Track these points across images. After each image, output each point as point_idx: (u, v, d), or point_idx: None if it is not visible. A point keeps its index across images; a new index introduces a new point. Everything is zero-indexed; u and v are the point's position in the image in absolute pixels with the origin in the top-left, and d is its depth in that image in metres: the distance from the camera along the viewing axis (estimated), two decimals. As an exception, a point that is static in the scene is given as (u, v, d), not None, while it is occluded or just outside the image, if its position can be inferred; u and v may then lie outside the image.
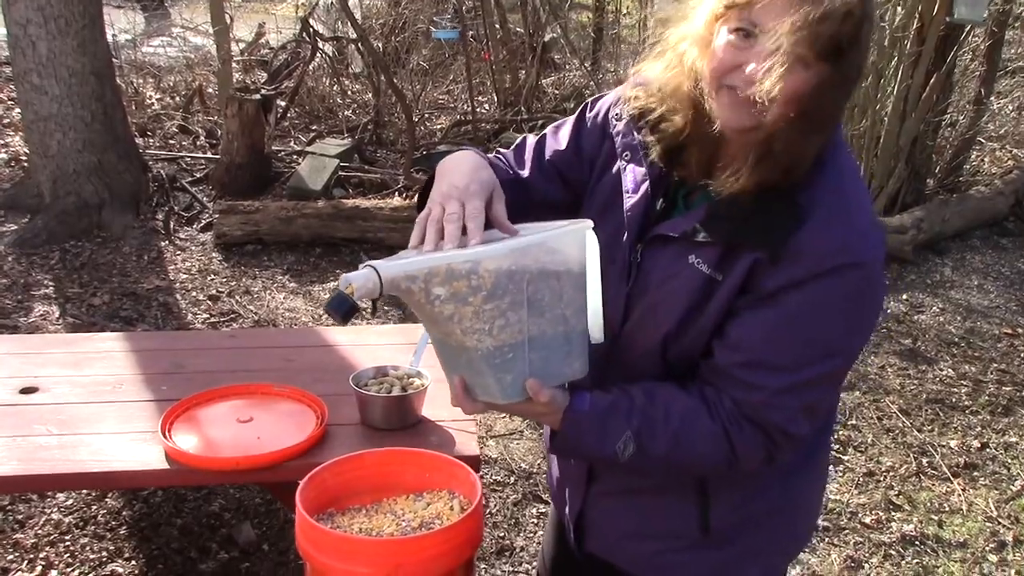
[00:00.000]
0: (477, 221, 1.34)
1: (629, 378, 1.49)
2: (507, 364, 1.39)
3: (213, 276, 5.12)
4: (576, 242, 1.39)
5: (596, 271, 1.40)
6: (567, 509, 1.76)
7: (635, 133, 1.50)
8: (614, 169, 1.54)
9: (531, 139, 1.67)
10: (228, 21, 7.08)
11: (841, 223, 1.34)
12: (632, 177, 1.49)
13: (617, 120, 1.54)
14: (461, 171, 1.42)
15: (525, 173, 1.63)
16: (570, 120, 1.64)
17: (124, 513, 3.17)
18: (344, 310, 1.30)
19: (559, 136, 1.64)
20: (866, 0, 1.28)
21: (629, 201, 1.49)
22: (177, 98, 7.55)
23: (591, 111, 1.62)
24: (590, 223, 1.41)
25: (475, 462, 2.19)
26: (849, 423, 4.01)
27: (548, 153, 1.64)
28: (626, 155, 1.51)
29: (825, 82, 1.29)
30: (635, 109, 1.49)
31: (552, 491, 1.87)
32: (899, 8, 5.73)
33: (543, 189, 1.62)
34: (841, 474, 3.68)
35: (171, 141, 6.83)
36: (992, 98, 7.09)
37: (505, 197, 1.43)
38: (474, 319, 1.34)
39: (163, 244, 5.45)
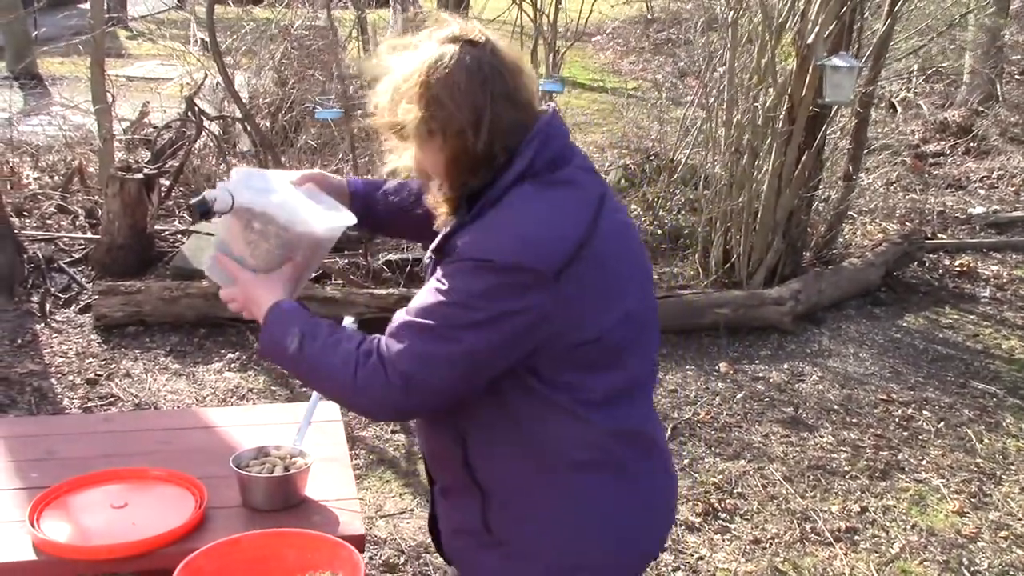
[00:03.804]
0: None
1: None
2: None
3: (91, 359, 4.96)
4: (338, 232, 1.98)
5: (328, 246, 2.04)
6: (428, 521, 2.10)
7: None
8: None
9: None
10: (110, 100, 6.97)
11: (485, 233, 1.72)
12: None
13: None
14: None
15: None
16: None
17: (-10, 610, 3.01)
18: (202, 210, 1.86)
19: None
20: (423, 96, 1.71)
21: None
22: (56, 177, 7.37)
23: None
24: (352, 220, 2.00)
25: (359, 541, 2.15)
26: (735, 491, 4.07)
27: None
28: None
29: (420, 153, 1.79)
30: None
31: None
32: (770, 90, 5.99)
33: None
34: (728, 543, 3.73)
35: (49, 221, 6.64)
36: (862, 174, 7.43)
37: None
38: (264, 252, 1.93)
39: (38, 327, 5.27)
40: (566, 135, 1.83)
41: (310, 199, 1.98)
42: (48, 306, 5.48)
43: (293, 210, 1.91)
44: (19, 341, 5.10)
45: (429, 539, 3.51)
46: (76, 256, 6.11)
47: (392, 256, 6.06)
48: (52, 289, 5.66)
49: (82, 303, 5.54)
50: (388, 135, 1.81)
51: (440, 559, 2.16)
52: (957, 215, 7.99)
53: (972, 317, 6.15)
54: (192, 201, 1.88)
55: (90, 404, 4.53)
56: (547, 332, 1.72)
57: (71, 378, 4.76)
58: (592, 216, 1.77)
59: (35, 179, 7.38)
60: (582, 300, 1.73)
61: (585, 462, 1.82)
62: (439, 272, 1.75)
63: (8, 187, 6.85)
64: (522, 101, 1.77)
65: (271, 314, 1.84)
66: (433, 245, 1.82)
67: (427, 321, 1.71)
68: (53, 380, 4.73)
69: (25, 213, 6.68)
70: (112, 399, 4.59)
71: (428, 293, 1.73)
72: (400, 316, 1.76)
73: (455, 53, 1.73)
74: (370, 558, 3.50)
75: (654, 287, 1.97)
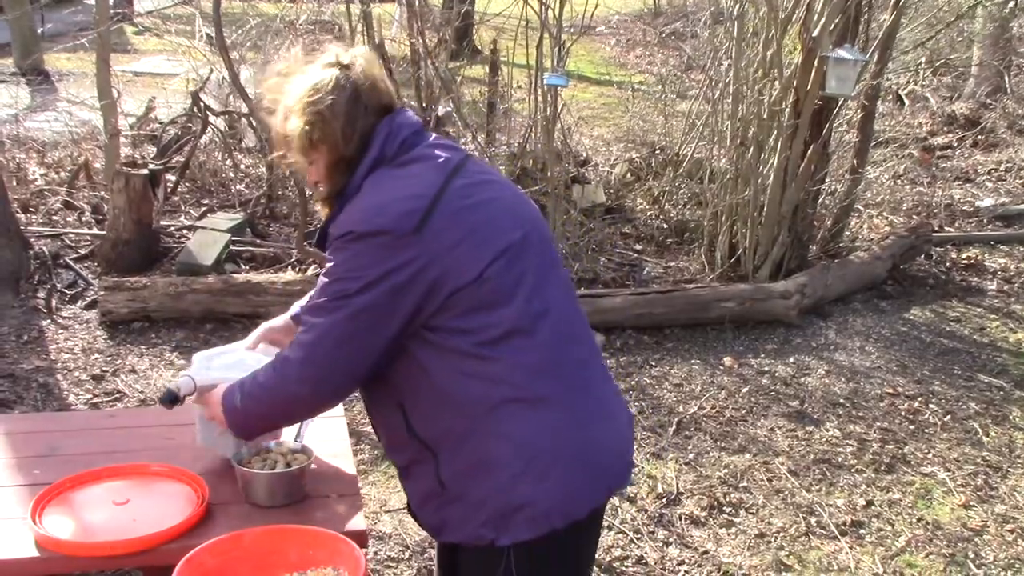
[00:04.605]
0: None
1: None
2: None
3: (97, 355, 4.97)
4: None
5: None
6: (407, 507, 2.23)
7: None
8: None
9: None
10: (116, 95, 6.98)
11: (345, 214, 1.98)
12: None
13: None
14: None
15: None
16: None
17: (-5, 606, 3.02)
18: (170, 399, 2.25)
19: None
20: (308, 116, 2.00)
21: None
22: (62, 173, 7.38)
23: None
24: None
25: (361, 537, 2.15)
26: (740, 485, 4.07)
27: None
28: None
29: (325, 160, 2.05)
30: None
31: None
32: (776, 83, 5.97)
33: None
34: (733, 536, 3.73)
35: (55, 217, 6.65)
36: (868, 167, 7.40)
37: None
38: None
39: (44, 323, 5.28)
40: (413, 125, 2.08)
41: (264, 355, 2.36)
42: (54, 302, 5.49)
43: (247, 371, 2.24)
44: (25, 337, 5.11)
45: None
46: (82, 252, 6.12)
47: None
48: (58, 285, 5.67)
49: (88, 299, 5.55)
50: (282, 147, 2.11)
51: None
52: (964, 208, 7.96)
53: (979, 310, 6.13)
54: (160, 396, 2.27)
55: (96, 400, 4.54)
56: (427, 282, 1.90)
57: (77, 374, 4.77)
58: (445, 177, 1.99)
59: (41, 175, 7.39)
60: (451, 247, 1.91)
61: (503, 400, 1.94)
62: (325, 266, 2.01)
63: (14, 183, 6.86)
64: (384, 110, 2.07)
65: (222, 397, 2.13)
66: (315, 241, 2.12)
67: (318, 301, 1.98)
68: (59, 376, 4.74)
69: (31, 209, 6.69)
70: (118, 395, 4.60)
71: (318, 282, 2.01)
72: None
73: (334, 75, 2.03)
74: (375, 553, 3.50)
75: (547, 234, 2.13)
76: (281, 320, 2.48)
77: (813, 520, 3.85)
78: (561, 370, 2.02)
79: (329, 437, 2.59)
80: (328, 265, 1.98)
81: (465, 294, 1.91)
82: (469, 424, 1.95)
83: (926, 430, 4.61)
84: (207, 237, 6.09)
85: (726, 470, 4.18)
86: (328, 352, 1.96)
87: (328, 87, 2.02)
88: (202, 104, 7.23)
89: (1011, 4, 10.00)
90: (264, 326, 2.48)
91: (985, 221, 7.74)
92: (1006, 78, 10.72)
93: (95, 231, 6.36)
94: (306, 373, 1.98)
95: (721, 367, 5.17)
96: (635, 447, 4.27)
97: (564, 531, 1.96)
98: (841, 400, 4.87)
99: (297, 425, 2.43)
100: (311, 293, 2.40)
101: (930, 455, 4.39)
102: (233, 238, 6.16)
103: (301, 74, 2.09)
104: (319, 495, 2.34)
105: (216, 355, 2.38)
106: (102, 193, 6.86)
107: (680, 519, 3.82)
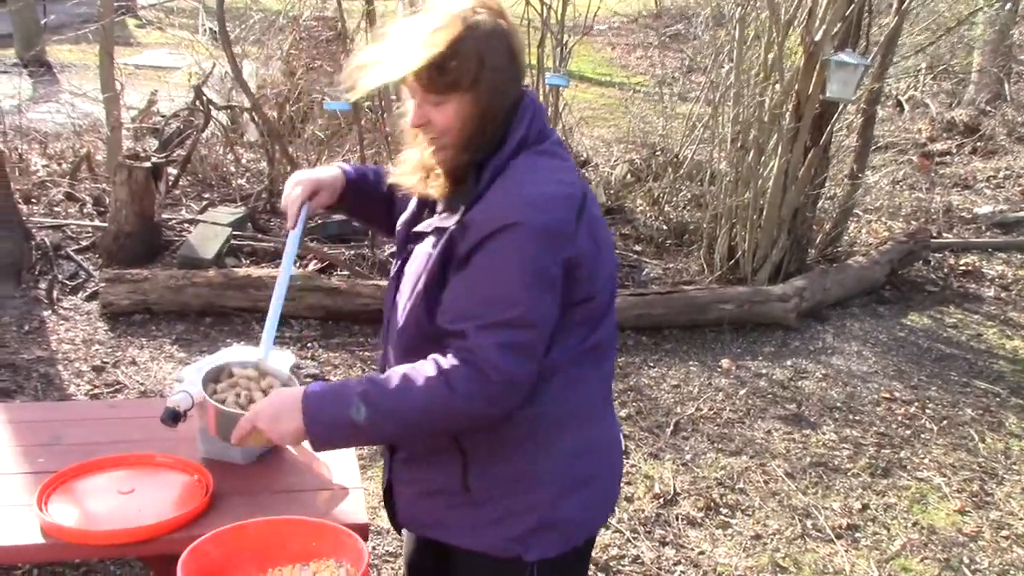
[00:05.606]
0: (294, 207, 2.15)
1: (399, 357, 1.90)
2: None
3: (98, 346, 4.98)
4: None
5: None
6: (383, 490, 2.11)
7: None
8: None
9: None
10: (118, 88, 6.99)
11: (502, 197, 1.78)
12: (411, 203, 2.03)
13: None
14: (317, 169, 2.18)
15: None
16: None
17: (-4, 594, 3.03)
18: (172, 417, 2.19)
19: None
20: (461, 39, 1.73)
21: (402, 217, 2.03)
22: (64, 165, 7.39)
23: None
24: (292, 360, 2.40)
25: (363, 530, 2.17)
26: (736, 487, 4.09)
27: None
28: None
29: (461, 109, 1.79)
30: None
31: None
32: (777, 87, 5.99)
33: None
34: (729, 538, 3.74)
35: (56, 208, 6.66)
36: (868, 172, 7.43)
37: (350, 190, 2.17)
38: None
39: (46, 314, 5.29)
40: (544, 111, 1.93)
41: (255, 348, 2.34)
42: (55, 293, 5.50)
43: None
44: (26, 328, 5.12)
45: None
46: (83, 244, 6.13)
47: (398, 248, 6.07)
48: (59, 276, 5.68)
49: (89, 291, 5.56)
50: (415, 84, 1.78)
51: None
52: (963, 214, 7.98)
53: (976, 317, 6.16)
54: (162, 416, 2.18)
55: (96, 391, 4.55)
56: (570, 282, 1.81)
57: (77, 365, 4.78)
58: (583, 181, 1.89)
59: (43, 166, 7.40)
60: (587, 256, 1.82)
61: (565, 417, 1.91)
62: (481, 260, 1.76)
63: (17, 174, 6.87)
64: (521, 80, 1.88)
65: (310, 405, 1.80)
66: (457, 218, 1.81)
67: (493, 319, 1.74)
68: (60, 367, 4.75)
69: (33, 200, 6.70)
70: (118, 386, 4.61)
71: (484, 284, 1.76)
72: (468, 313, 1.76)
73: (493, 19, 1.79)
74: (374, 548, 3.52)
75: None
76: (329, 175, 2.16)
77: (809, 523, 3.87)
78: (606, 393, 2.03)
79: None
80: (496, 266, 1.76)
81: (578, 308, 1.84)
82: (526, 434, 1.88)
83: (922, 435, 4.63)
84: (208, 231, 6.10)
85: (723, 471, 4.20)
86: (523, 373, 1.77)
87: (492, 28, 1.78)
88: (204, 98, 7.24)
89: (1008, 5, 10.03)
90: (303, 178, 2.16)
91: (983, 228, 7.77)
92: (1006, 85, 10.76)
93: (96, 223, 6.37)
94: (480, 390, 1.75)
95: (719, 369, 5.19)
96: (633, 447, 4.31)
97: (583, 547, 2.01)
98: (838, 404, 4.89)
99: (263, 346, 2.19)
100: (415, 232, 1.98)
101: (926, 460, 4.41)
102: (234, 232, 6.17)
103: (437, 12, 1.78)
104: (321, 488, 2.35)
105: (206, 367, 2.25)
106: (104, 185, 6.87)
107: (677, 519, 3.84)
